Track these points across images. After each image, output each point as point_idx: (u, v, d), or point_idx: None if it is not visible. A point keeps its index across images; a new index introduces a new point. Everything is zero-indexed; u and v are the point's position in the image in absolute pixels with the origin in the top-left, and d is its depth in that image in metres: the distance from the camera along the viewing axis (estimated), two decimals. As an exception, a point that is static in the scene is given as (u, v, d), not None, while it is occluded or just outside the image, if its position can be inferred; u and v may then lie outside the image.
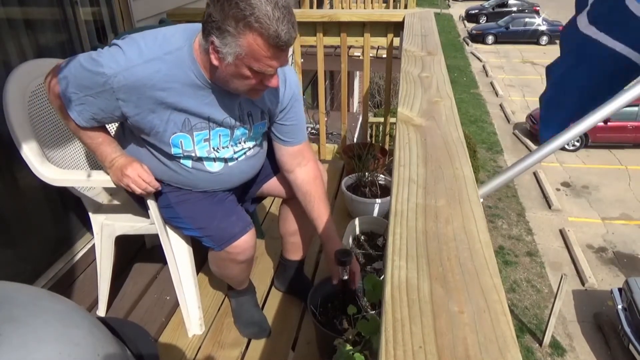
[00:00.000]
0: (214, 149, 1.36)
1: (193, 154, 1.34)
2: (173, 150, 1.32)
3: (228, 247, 1.39)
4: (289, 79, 1.39)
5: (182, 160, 1.36)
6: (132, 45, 1.19)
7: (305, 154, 1.51)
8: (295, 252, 1.80)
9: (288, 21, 1.05)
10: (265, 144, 1.54)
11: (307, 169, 1.51)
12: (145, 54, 1.18)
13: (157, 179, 1.39)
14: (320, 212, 1.52)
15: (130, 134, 1.41)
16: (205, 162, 1.38)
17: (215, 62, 1.13)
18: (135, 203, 1.56)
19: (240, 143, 1.41)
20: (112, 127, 1.87)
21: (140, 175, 1.33)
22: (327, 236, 1.53)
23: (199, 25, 1.16)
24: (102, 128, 1.37)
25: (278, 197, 1.73)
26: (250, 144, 1.44)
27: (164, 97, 1.21)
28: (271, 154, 1.59)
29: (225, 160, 1.41)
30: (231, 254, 1.41)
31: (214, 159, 1.39)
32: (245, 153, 1.44)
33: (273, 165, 1.60)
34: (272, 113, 1.41)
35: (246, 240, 1.41)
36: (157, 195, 1.46)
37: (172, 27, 1.26)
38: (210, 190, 1.46)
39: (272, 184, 1.64)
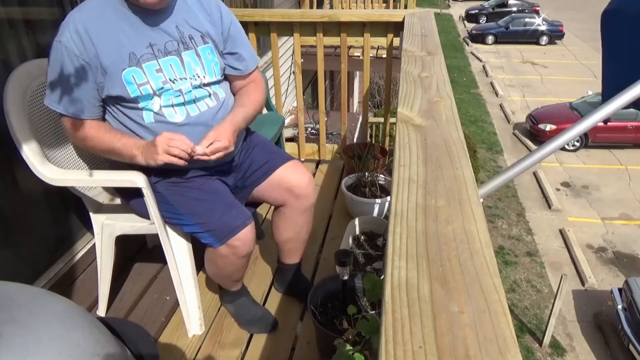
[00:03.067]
0: (170, 80, 1.38)
1: (149, 87, 1.35)
2: (129, 89, 1.33)
3: (229, 240, 1.39)
4: (223, 10, 1.49)
5: (144, 115, 1.38)
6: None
7: (254, 77, 1.62)
8: (291, 257, 1.80)
9: None
10: (227, 95, 1.54)
11: (250, 85, 1.62)
12: (79, 4, 1.33)
13: (147, 169, 1.41)
14: (241, 102, 1.56)
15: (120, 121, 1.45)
16: (165, 111, 1.39)
17: None
18: (133, 206, 1.56)
19: (196, 75, 1.42)
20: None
21: (172, 137, 1.30)
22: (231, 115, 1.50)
23: None
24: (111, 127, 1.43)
25: (270, 204, 1.72)
26: (209, 79, 1.45)
27: (101, 35, 1.29)
28: (261, 154, 1.60)
29: (184, 103, 1.41)
30: (232, 247, 1.41)
31: (172, 104, 1.39)
32: (204, 98, 1.45)
33: (264, 168, 1.60)
34: (213, 39, 1.46)
35: (247, 234, 1.41)
36: (155, 194, 1.46)
37: None
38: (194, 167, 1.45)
39: (263, 189, 1.63)
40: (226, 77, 1.58)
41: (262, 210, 2.37)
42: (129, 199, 1.54)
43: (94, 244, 1.68)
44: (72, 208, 2.03)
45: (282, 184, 1.59)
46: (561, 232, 9.18)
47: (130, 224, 1.63)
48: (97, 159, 1.78)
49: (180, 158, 1.31)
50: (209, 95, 1.46)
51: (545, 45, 21.07)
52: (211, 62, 1.46)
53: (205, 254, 1.52)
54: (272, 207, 1.72)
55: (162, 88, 1.37)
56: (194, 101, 1.43)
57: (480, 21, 25.55)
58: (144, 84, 1.35)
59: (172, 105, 1.40)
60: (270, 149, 1.67)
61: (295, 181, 1.59)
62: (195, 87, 1.42)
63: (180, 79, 1.39)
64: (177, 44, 1.39)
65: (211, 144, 1.35)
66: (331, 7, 7.96)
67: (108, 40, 1.30)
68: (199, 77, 1.43)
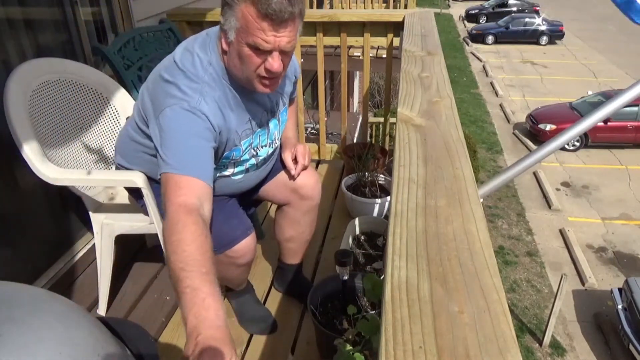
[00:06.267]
0: (253, 148, 1.38)
1: (238, 159, 1.36)
2: (222, 162, 1.34)
3: (228, 250, 1.38)
4: (294, 61, 1.44)
5: None
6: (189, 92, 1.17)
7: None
8: (292, 257, 1.80)
9: None
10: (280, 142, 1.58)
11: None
12: (196, 92, 1.17)
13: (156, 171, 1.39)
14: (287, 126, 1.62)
15: (140, 143, 1.38)
16: (233, 176, 1.41)
17: (225, 47, 1.15)
18: (140, 205, 1.55)
19: (275, 138, 1.45)
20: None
21: None
22: (285, 142, 1.60)
23: (217, 29, 1.20)
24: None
25: (274, 203, 1.72)
26: (279, 135, 1.48)
27: (221, 122, 1.22)
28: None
29: (249, 169, 1.43)
30: (231, 257, 1.40)
31: (244, 169, 1.41)
32: (271, 156, 1.48)
33: (270, 170, 1.61)
34: (288, 95, 1.48)
35: (247, 244, 1.39)
36: (156, 195, 1.46)
37: (191, 44, 1.24)
38: (220, 194, 1.45)
39: (269, 189, 1.63)
40: None
41: (262, 210, 2.37)
42: (137, 197, 1.54)
43: (94, 244, 1.68)
44: (72, 208, 2.03)
45: (288, 184, 1.59)
46: (561, 232, 9.18)
47: (129, 223, 1.63)
48: (97, 159, 1.78)
49: None
50: (272, 150, 1.48)
51: (545, 45, 21.07)
52: (284, 122, 1.48)
53: (207, 255, 1.51)
54: (274, 206, 1.72)
55: (248, 160, 1.38)
56: (266, 159, 1.46)
57: (480, 21, 25.55)
58: (235, 159, 1.35)
59: (243, 171, 1.41)
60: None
61: (301, 182, 1.59)
62: (270, 153, 1.45)
63: (262, 146, 1.40)
64: (267, 113, 1.37)
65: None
66: (331, 7, 7.95)
67: (221, 120, 1.22)
68: (275, 140, 1.45)
